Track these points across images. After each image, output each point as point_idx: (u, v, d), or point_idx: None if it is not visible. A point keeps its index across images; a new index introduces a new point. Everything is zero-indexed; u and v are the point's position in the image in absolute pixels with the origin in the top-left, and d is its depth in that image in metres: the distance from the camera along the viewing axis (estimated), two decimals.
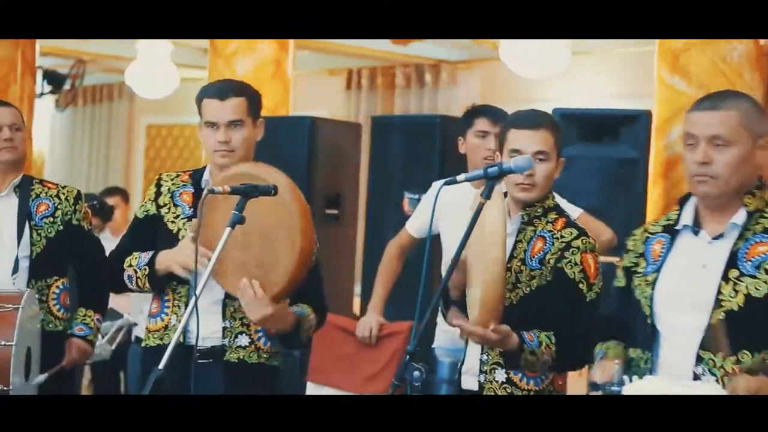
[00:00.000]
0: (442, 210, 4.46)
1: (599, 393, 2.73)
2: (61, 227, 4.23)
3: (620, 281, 3.06)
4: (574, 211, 4.58)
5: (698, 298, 2.81)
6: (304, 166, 6.06)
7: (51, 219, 4.21)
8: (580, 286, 3.36)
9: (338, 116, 10.54)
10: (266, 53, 7.43)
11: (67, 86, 9.81)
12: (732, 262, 2.81)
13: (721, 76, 5.43)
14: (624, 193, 5.38)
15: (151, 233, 3.73)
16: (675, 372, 2.79)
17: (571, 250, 3.39)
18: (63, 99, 11.12)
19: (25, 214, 4.18)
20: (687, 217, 2.92)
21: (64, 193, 4.30)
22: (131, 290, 3.76)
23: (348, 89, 11.14)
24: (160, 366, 3.11)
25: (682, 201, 2.98)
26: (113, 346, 6.15)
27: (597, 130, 5.52)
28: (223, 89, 3.64)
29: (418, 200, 5.35)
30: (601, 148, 5.54)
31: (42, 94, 9.50)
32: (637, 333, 2.92)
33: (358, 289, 6.33)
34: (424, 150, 5.75)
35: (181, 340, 3.53)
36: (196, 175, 3.75)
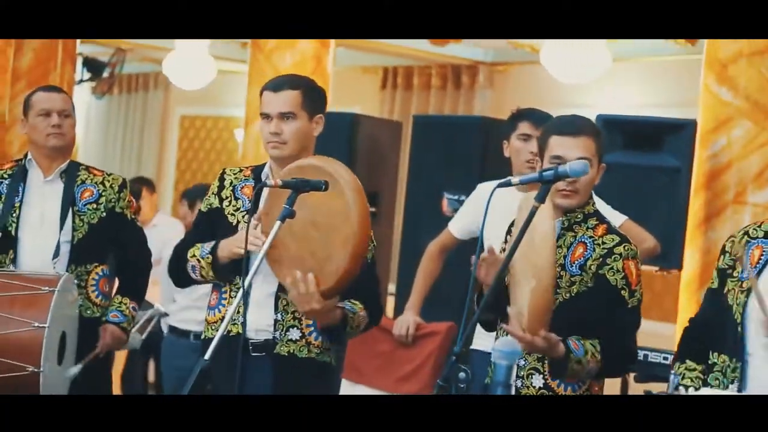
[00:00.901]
0: (492, 220, 4.46)
1: None
2: (104, 214, 4.24)
3: (714, 283, 3.02)
4: (618, 218, 4.56)
5: None
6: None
7: (95, 205, 4.23)
8: (622, 292, 3.34)
9: (371, 114, 10.53)
10: (306, 49, 7.42)
11: (106, 74, 9.84)
12: None
13: None
14: (666, 202, 5.33)
15: (212, 225, 3.76)
16: (761, 388, 2.74)
17: (613, 257, 3.38)
18: (100, 87, 11.16)
19: (69, 200, 4.21)
20: None
21: (109, 181, 4.32)
22: (196, 282, 3.77)
23: (383, 88, 11.12)
24: (206, 356, 3.11)
25: None
26: (144, 336, 6.16)
27: (640, 137, 5.47)
28: (279, 82, 3.68)
29: (458, 201, 5.33)
30: (645, 157, 5.50)
31: (81, 81, 9.54)
32: (726, 338, 2.87)
33: (392, 288, 6.31)
34: (464, 151, 5.73)
35: (240, 331, 3.56)
36: (258, 170, 3.79)
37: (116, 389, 6.62)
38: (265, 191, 3.51)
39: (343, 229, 3.40)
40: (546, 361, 3.41)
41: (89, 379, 4.08)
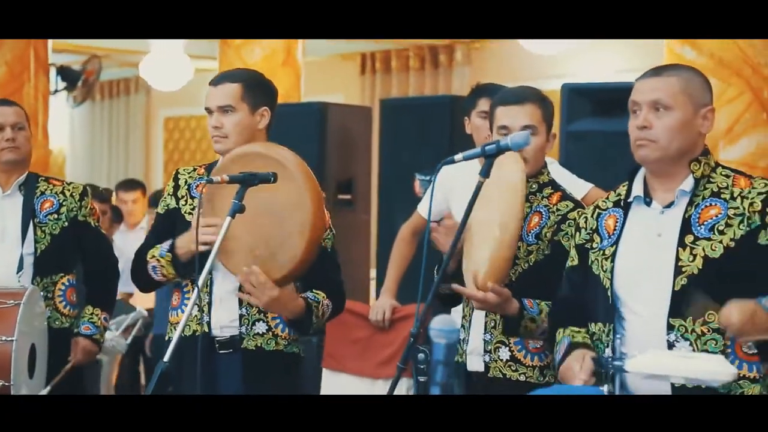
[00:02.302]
0: (454, 190, 4.44)
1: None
2: (66, 224, 4.22)
3: (574, 260, 3.05)
4: (584, 186, 4.54)
5: (658, 267, 2.82)
6: (315, 152, 6.03)
7: (56, 216, 4.20)
8: None
9: (353, 101, 10.51)
10: (275, 41, 7.41)
11: (81, 82, 9.82)
12: (686, 228, 2.83)
13: (731, 43, 5.34)
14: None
15: (172, 226, 3.73)
16: (647, 343, 2.77)
17: (567, 222, 3.39)
18: (80, 95, 11.14)
19: (29, 212, 4.18)
20: (637, 189, 2.94)
21: (69, 190, 4.29)
22: (159, 283, 3.73)
23: (362, 74, 11.11)
24: (165, 358, 3.10)
25: (631, 175, 2.98)
26: (128, 340, 6.16)
27: (608, 104, 5.44)
28: (220, 76, 3.66)
29: (429, 181, 5.30)
30: (613, 122, 5.46)
31: (56, 91, 9.52)
32: (598, 309, 2.91)
33: (374, 273, 6.30)
34: (434, 131, 5.70)
35: (206, 330, 3.55)
36: (211, 167, 3.75)
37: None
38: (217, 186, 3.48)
39: (297, 214, 3.38)
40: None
41: (64, 391, 4.07)
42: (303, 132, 6.07)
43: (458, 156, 3.17)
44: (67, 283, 4.22)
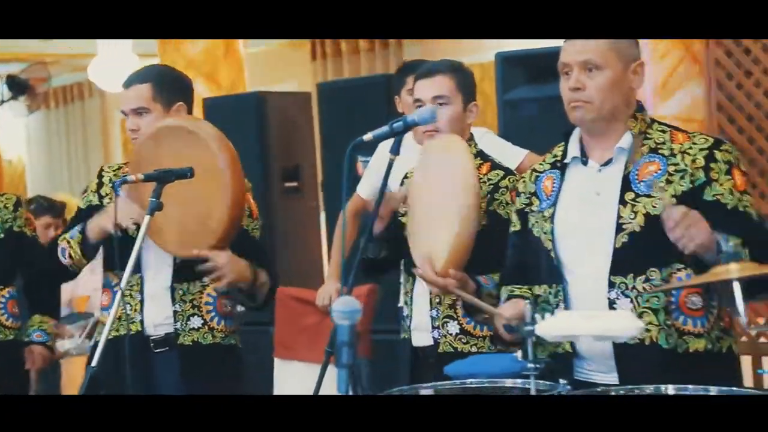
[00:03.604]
0: (395, 169, 4.44)
1: (514, 334, 2.70)
2: (2, 235, 4.19)
3: (515, 225, 3.03)
4: (520, 153, 4.55)
5: (598, 226, 2.81)
6: (257, 142, 6.01)
7: None
8: None
9: (307, 88, 10.47)
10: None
11: (29, 90, 9.76)
12: (626, 185, 2.81)
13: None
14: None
15: None
16: (588, 302, 2.78)
17: (500, 191, 3.40)
18: (33, 103, 11.09)
19: None
20: (574, 149, 2.92)
21: (2, 201, 4.27)
22: (68, 272, 3.71)
23: (314, 59, 11.06)
24: (93, 363, 3.09)
25: (566, 135, 2.96)
26: (92, 342, 6.13)
27: (541, 70, 5.42)
28: (128, 78, 3.62)
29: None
30: (548, 88, 5.44)
31: (3, 101, 9.46)
32: (542, 271, 2.90)
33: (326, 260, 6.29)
34: (372, 112, 5.67)
35: (139, 329, 3.54)
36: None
37: None
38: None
39: (215, 180, 3.40)
40: (456, 306, 3.42)
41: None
42: (243, 123, 6.04)
43: (367, 136, 3.16)
44: (7, 295, 4.21)
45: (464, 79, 3.50)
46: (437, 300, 3.47)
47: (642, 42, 5.27)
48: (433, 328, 3.48)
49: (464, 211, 3.16)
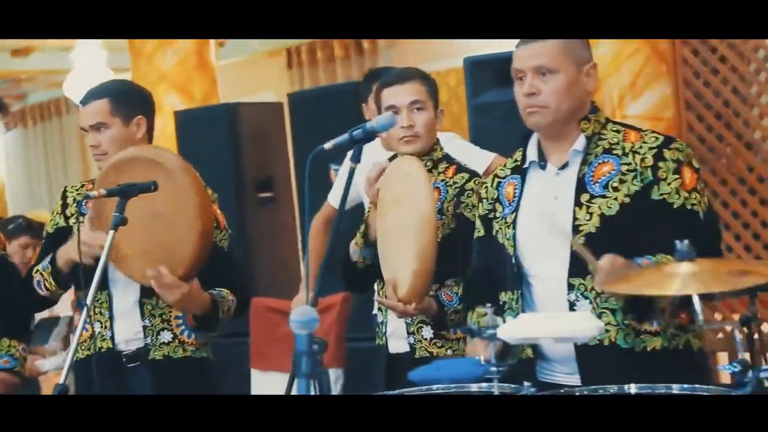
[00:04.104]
0: (362, 173, 4.45)
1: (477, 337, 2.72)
2: None
3: (480, 231, 3.05)
4: (487, 157, 4.56)
5: (556, 229, 2.82)
6: (230, 153, 6.02)
7: None
8: None
9: (284, 98, 10.47)
10: (186, 45, 7.35)
11: (2, 108, 9.75)
12: (581, 187, 2.83)
13: None
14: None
15: (61, 245, 3.69)
16: (550, 306, 2.80)
17: (466, 194, 3.43)
18: (10, 121, 11.08)
19: None
20: (532, 154, 2.94)
21: None
22: (45, 301, 3.72)
23: (290, 68, 11.08)
24: (61, 381, 3.08)
25: (524, 140, 2.98)
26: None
27: (509, 73, 5.44)
28: (86, 94, 3.61)
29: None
30: None
31: None
32: (506, 277, 2.92)
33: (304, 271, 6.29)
34: (342, 119, 5.67)
35: (110, 345, 3.54)
36: None
37: None
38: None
39: (183, 211, 3.39)
40: None
41: None
42: (215, 135, 6.05)
43: (327, 144, 3.18)
44: None
45: (433, 86, 3.56)
46: (400, 317, 3.49)
47: (608, 43, 5.35)
48: (408, 334, 3.52)
49: (423, 248, 3.22)
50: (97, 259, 3.32)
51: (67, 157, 12.75)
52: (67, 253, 3.51)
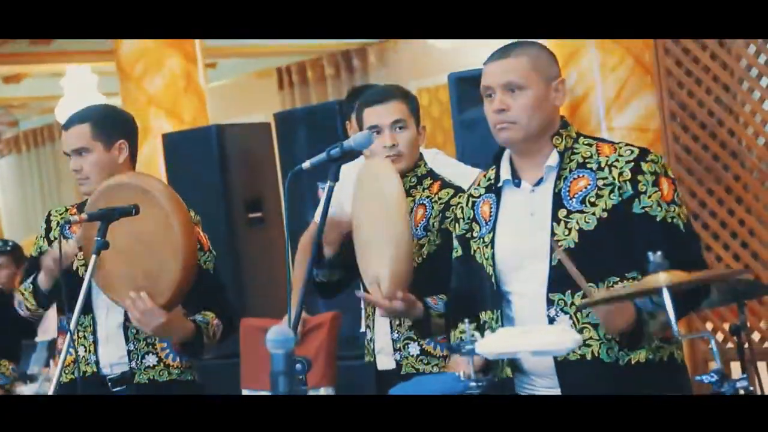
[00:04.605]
0: (347, 193, 4.46)
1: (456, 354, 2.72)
2: None
3: (457, 251, 3.04)
4: (472, 172, 4.57)
5: (535, 246, 2.82)
6: (218, 174, 6.02)
7: None
8: None
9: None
10: (174, 68, 7.37)
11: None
12: (558, 202, 2.82)
13: None
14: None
15: None
16: (530, 321, 2.79)
17: (451, 209, 3.42)
18: (4, 147, 11.11)
19: None
20: (505, 172, 2.93)
21: None
22: (27, 323, 3.74)
23: (281, 89, 11.12)
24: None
25: (497, 158, 2.97)
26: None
27: None
28: (69, 119, 3.63)
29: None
30: None
31: None
32: (485, 297, 2.91)
33: None
34: (328, 138, 5.68)
35: (94, 369, 3.55)
36: (82, 207, 3.72)
37: None
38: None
39: (168, 240, 3.40)
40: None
41: None
42: (204, 156, 6.06)
43: (306, 164, 3.20)
44: None
45: (414, 104, 3.57)
46: (397, 323, 3.50)
47: (592, 54, 5.37)
48: (395, 350, 3.52)
49: (398, 237, 3.22)
50: (71, 267, 3.34)
51: (62, 182, 12.76)
52: (45, 264, 3.52)
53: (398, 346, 3.50)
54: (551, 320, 2.78)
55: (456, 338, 2.97)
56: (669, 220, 2.78)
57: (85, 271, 3.39)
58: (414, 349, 3.48)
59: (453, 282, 3.07)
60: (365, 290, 3.42)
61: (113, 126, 3.61)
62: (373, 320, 3.58)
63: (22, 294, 3.62)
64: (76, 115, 3.63)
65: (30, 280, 3.61)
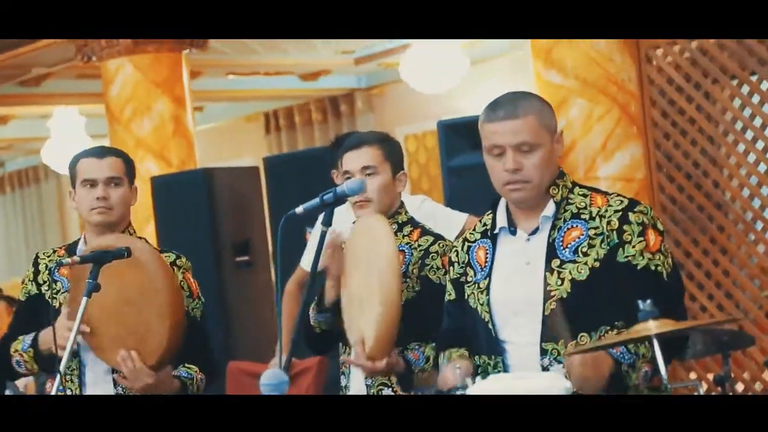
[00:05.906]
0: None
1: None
2: None
3: (451, 294, 3.06)
4: (460, 218, 4.60)
5: (529, 295, 2.84)
6: (206, 218, 6.05)
7: None
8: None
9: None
10: (163, 112, 7.40)
11: None
12: (551, 252, 2.85)
13: (593, 64, 5.45)
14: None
15: (35, 313, 3.69)
16: (525, 370, 2.81)
17: (430, 256, 3.44)
18: None
19: None
20: (502, 220, 2.95)
21: None
22: (24, 375, 3.72)
23: (268, 133, 11.16)
24: None
25: (494, 204, 3.00)
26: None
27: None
28: (101, 149, 3.67)
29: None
30: None
31: None
32: (481, 341, 2.93)
33: None
34: (316, 183, 5.72)
35: None
36: (72, 248, 3.71)
37: None
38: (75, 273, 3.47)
39: (155, 301, 3.41)
40: (390, 375, 3.45)
41: None
42: (191, 199, 6.09)
43: (299, 209, 3.22)
44: None
45: (391, 149, 3.57)
46: (369, 376, 3.50)
47: (579, 105, 5.42)
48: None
49: (389, 299, 3.22)
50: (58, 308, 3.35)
51: (46, 224, 12.74)
52: (48, 342, 3.52)
53: (372, 391, 3.49)
54: (545, 370, 2.80)
55: (445, 359, 2.99)
56: (652, 268, 2.81)
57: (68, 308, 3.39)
58: (388, 394, 3.47)
59: (445, 323, 3.09)
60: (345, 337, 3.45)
61: (133, 169, 3.68)
62: (349, 367, 3.59)
63: (22, 356, 3.60)
64: (107, 149, 3.70)
65: (29, 342, 3.58)
